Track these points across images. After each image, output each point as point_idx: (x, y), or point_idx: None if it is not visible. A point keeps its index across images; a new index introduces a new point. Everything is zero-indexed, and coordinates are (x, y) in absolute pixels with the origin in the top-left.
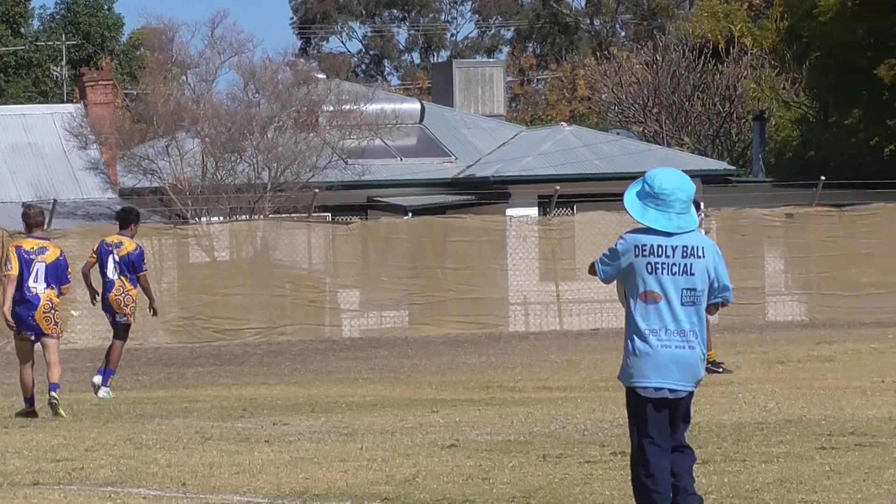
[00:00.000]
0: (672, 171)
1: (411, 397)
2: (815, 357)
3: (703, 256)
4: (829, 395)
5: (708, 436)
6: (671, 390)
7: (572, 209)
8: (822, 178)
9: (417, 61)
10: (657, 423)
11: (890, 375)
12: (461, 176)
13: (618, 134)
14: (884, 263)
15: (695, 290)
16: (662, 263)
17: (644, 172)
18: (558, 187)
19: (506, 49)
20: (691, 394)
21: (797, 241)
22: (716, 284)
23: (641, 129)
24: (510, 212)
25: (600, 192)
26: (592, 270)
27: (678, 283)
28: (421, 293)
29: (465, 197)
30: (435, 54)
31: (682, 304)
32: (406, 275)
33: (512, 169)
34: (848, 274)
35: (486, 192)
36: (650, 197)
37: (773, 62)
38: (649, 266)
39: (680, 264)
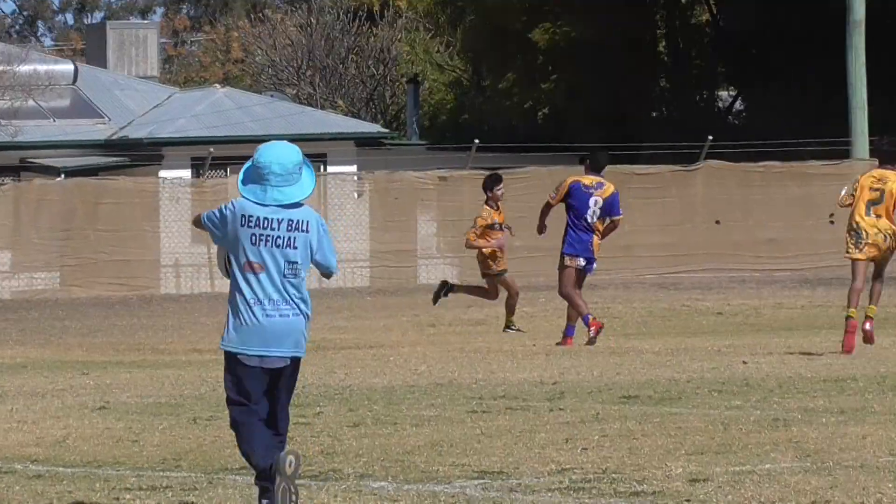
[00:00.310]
0: (275, 144)
1: (62, 359)
2: (466, 321)
3: (308, 231)
4: (480, 359)
5: (359, 399)
6: (274, 358)
7: (226, 171)
8: (476, 141)
9: (71, 22)
10: (257, 389)
11: (541, 339)
12: (115, 137)
13: (272, 96)
14: (532, 226)
15: (296, 262)
16: (267, 236)
17: (299, 135)
18: (212, 149)
19: (160, 10)
20: (295, 361)
21: (450, 204)
22: (318, 258)
23: (295, 91)
24: (163, 174)
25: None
26: (198, 223)
27: (281, 255)
28: (72, 255)
29: (119, 159)
30: (89, 15)
31: (284, 275)
32: (58, 237)
33: (165, 131)
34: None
35: (140, 154)
36: (254, 168)
37: (427, 25)
38: (253, 237)
39: (284, 237)
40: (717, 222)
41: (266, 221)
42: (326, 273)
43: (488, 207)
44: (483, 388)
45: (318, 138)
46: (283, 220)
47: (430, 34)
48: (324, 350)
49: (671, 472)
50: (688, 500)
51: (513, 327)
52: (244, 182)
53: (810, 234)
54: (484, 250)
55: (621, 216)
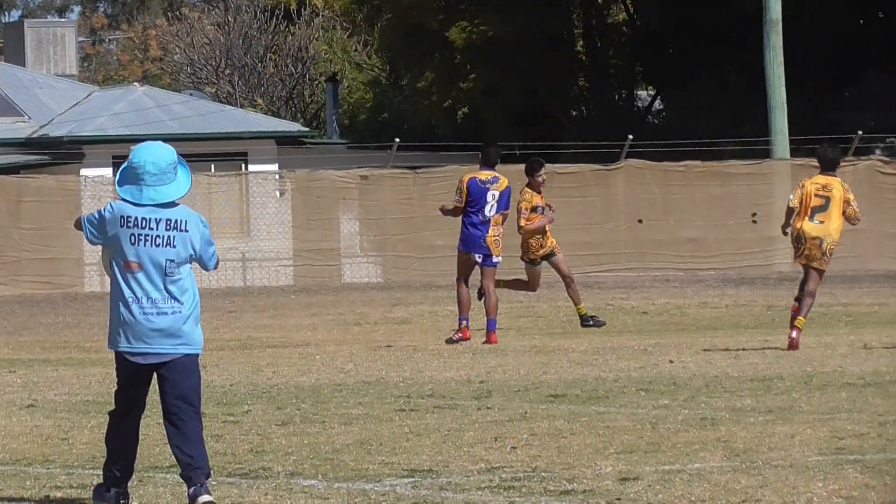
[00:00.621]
0: (149, 144)
1: None
2: (391, 319)
3: (187, 230)
4: (407, 358)
5: (286, 397)
6: (156, 355)
7: None
8: (397, 140)
9: None
10: (142, 388)
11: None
12: (35, 136)
13: (191, 95)
14: (458, 225)
15: (174, 261)
16: (146, 235)
17: (219, 133)
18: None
19: (77, 9)
20: (185, 359)
21: (372, 203)
22: (198, 256)
23: (214, 90)
24: (85, 172)
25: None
26: (79, 226)
27: (160, 254)
28: None
29: (40, 157)
30: (6, 13)
31: (166, 274)
32: None
33: (86, 129)
34: (422, 236)
35: (60, 153)
36: (129, 169)
37: (344, 24)
38: (132, 237)
39: (163, 236)
40: (640, 221)
41: (144, 221)
42: (206, 268)
43: (529, 190)
44: (411, 386)
45: (239, 137)
46: (161, 219)
47: (347, 33)
48: (250, 349)
49: (601, 471)
50: (618, 499)
51: (590, 322)
52: (121, 183)
53: (733, 234)
54: (529, 240)
55: (508, 211)
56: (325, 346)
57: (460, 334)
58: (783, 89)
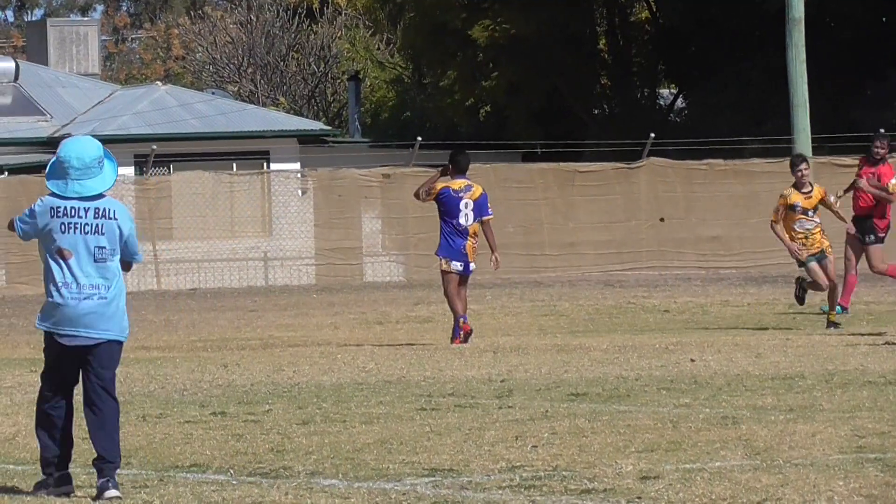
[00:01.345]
0: (75, 139)
1: (9, 357)
2: (413, 318)
3: (116, 218)
4: (428, 357)
5: (308, 396)
6: (83, 338)
7: (169, 169)
8: (419, 138)
9: (12, 19)
10: (67, 370)
11: (488, 336)
12: (57, 135)
13: (213, 94)
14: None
15: (104, 248)
16: (75, 223)
17: (241, 132)
18: (155, 146)
19: (100, 8)
20: (109, 343)
21: (394, 201)
22: (125, 245)
23: (237, 88)
24: None
25: (197, 151)
26: (11, 227)
27: (90, 241)
28: (18, 252)
29: None
30: (29, 12)
31: (95, 260)
32: (3, 234)
33: (108, 128)
34: None
35: None
36: (57, 163)
37: (367, 22)
38: (63, 226)
39: (92, 224)
40: (662, 220)
41: (73, 210)
42: (129, 261)
43: (791, 189)
44: (432, 385)
45: (261, 135)
46: (89, 208)
47: (370, 31)
48: (271, 347)
49: (622, 470)
50: (639, 498)
51: (835, 325)
52: (49, 177)
53: (755, 232)
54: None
55: (491, 216)
56: (347, 345)
57: (461, 330)
58: (805, 87)
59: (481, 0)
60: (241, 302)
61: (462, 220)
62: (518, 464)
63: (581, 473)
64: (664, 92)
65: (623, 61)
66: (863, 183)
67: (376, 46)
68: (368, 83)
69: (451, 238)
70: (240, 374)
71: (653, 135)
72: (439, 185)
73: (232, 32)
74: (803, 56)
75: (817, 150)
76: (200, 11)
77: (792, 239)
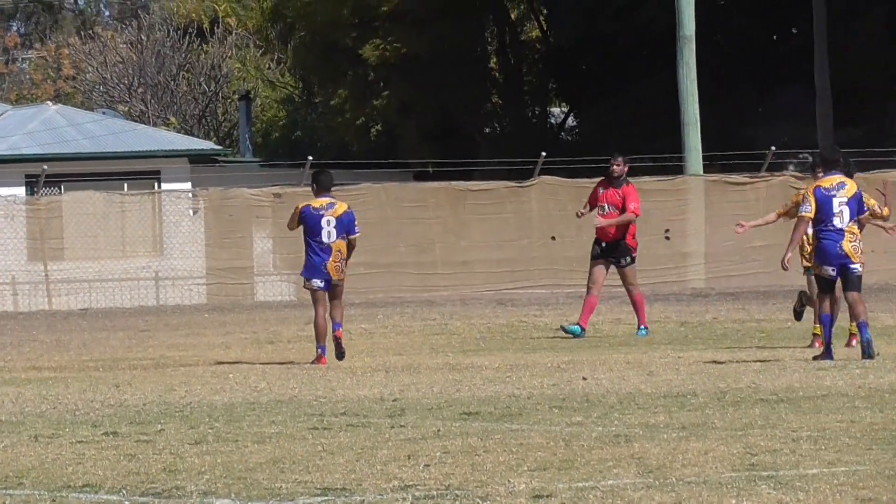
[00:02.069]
0: None
1: None
2: (305, 337)
3: None
4: (321, 376)
5: (200, 416)
6: None
7: (60, 189)
8: (310, 158)
9: None
10: None
11: (380, 355)
12: None
13: (104, 113)
14: (373, 244)
15: None
16: None
17: (132, 152)
18: (45, 167)
19: None
20: None
21: (285, 221)
22: None
23: (127, 108)
24: None
25: (87, 171)
26: None
27: None
28: None
29: None
30: None
31: None
32: None
33: None
34: None
35: None
36: None
37: (257, 42)
38: None
39: None
40: (553, 238)
41: None
42: None
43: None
44: (324, 404)
45: (152, 155)
46: None
47: (260, 51)
48: (163, 367)
49: (514, 489)
50: None
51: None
52: None
53: (647, 250)
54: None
55: (358, 234)
56: (239, 364)
57: (318, 362)
58: (696, 105)
59: (372, 19)
60: (132, 322)
61: (325, 238)
62: (411, 483)
63: (473, 492)
64: (555, 110)
65: (514, 80)
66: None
67: (267, 66)
68: (259, 103)
69: (314, 256)
70: (132, 393)
71: (544, 153)
72: (301, 205)
73: (122, 52)
74: (694, 74)
75: (708, 168)
76: (91, 31)
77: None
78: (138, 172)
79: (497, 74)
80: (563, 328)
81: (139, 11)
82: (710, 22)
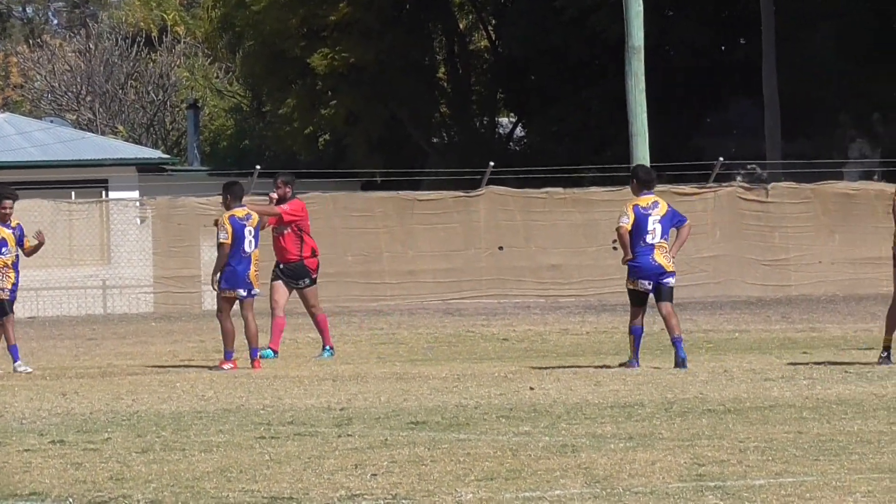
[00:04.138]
0: None
1: None
2: None
3: None
4: (268, 385)
5: (147, 424)
6: None
7: None
8: (258, 167)
9: None
10: None
11: (327, 365)
12: None
13: (52, 122)
14: (320, 253)
15: None
16: None
17: (80, 160)
18: None
19: None
20: None
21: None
22: None
23: (76, 117)
24: None
25: (35, 179)
26: None
27: None
28: None
29: None
30: None
31: None
32: None
33: None
34: None
35: None
36: None
37: (206, 51)
38: None
39: None
40: (501, 248)
41: None
42: None
43: None
44: (271, 413)
45: (100, 164)
46: None
47: (209, 60)
48: (110, 376)
49: (461, 498)
50: None
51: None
52: None
53: (594, 261)
54: None
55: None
56: (186, 373)
57: (230, 365)
58: (645, 116)
59: (320, 28)
60: (79, 330)
61: (247, 247)
62: (358, 492)
63: (421, 502)
64: (504, 120)
65: (462, 90)
66: None
67: (215, 75)
68: (207, 111)
69: (237, 266)
70: (79, 402)
71: (492, 163)
72: (226, 216)
73: (71, 61)
74: (643, 85)
75: (657, 179)
76: (39, 39)
77: None
78: (86, 181)
79: (446, 84)
80: (261, 356)
81: (88, 20)
82: (659, 33)
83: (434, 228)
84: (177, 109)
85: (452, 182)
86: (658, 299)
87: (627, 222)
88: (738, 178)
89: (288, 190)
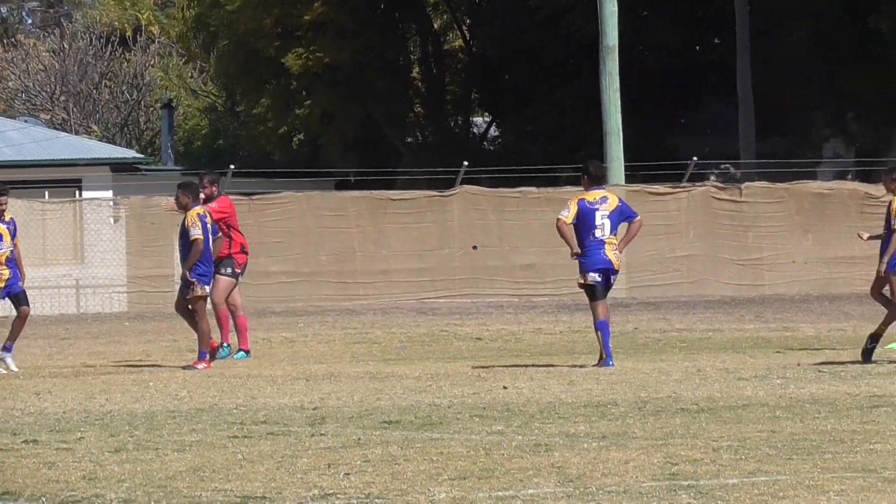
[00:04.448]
0: None
1: None
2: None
3: None
4: (241, 384)
5: (120, 424)
6: None
7: None
8: (232, 167)
9: None
10: None
11: (301, 364)
12: None
13: (25, 122)
14: (294, 252)
15: None
16: None
17: (54, 160)
18: None
19: None
20: None
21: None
22: None
23: (50, 116)
24: None
25: (9, 179)
26: None
27: None
28: None
29: None
30: None
31: None
32: None
33: None
34: (257, 263)
35: None
36: None
37: (180, 51)
38: None
39: None
40: (475, 248)
41: None
42: None
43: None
44: (244, 413)
45: (74, 163)
46: None
47: (183, 60)
48: (84, 375)
49: (435, 497)
50: None
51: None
52: None
53: (567, 260)
54: None
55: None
56: (159, 372)
57: (203, 364)
58: (619, 116)
59: (295, 28)
60: (53, 330)
61: (210, 245)
62: (331, 491)
63: (394, 501)
64: (478, 120)
65: (437, 90)
66: None
67: (189, 75)
68: (182, 111)
69: (210, 265)
70: (52, 401)
71: (466, 163)
72: (195, 213)
73: (45, 60)
74: (617, 84)
75: (631, 178)
76: (13, 39)
77: None
78: (60, 181)
79: (420, 84)
80: (234, 358)
81: (62, 20)
82: (633, 32)
83: (408, 228)
84: (151, 109)
85: (426, 182)
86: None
87: (567, 216)
88: (712, 178)
89: (214, 189)
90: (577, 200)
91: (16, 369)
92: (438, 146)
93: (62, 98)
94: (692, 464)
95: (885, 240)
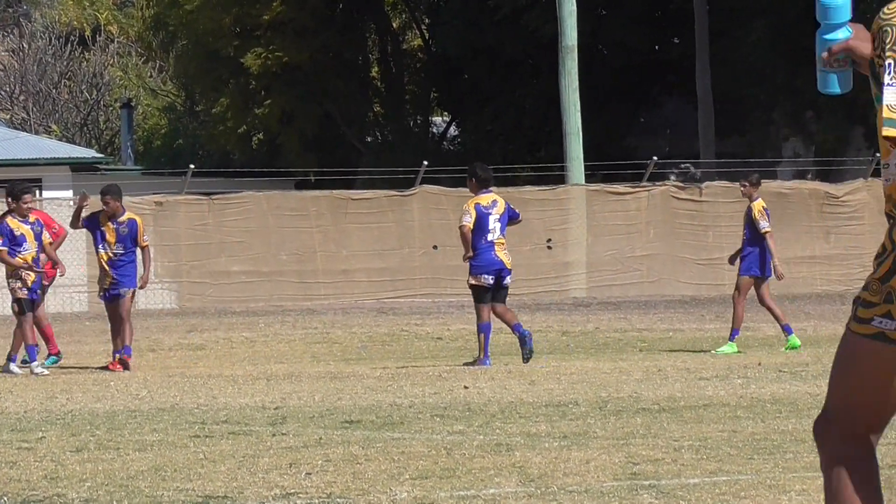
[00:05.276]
0: None
1: None
2: (186, 345)
3: None
4: (202, 384)
5: (81, 423)
6: None
7: None
8: (191, 166)
9: None
10: None
11: (261, 364)
12: None
13: None
14: (253, 251)
15: None
16: None
17: (13, 160)
18: None
19: None
20: None
21: (167, 229)
22: None
23: (9, 116)
24: None
25: None
26: None
27: None
28: None
29: None
30: None
31: None
32: None
33: None
34: (217, 262)
35: None
36: None
37: (139, 50)
38: None
39: None
40: (435, 247)
41: None
42: None
43: None
44: (205, 412)
45: (34, 163)
46: None
47: (142, 59)
48: (44, 375)
49: (396, 497)
50: None
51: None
52: None
53: (528, 260)
54: None
55: (146, 243)
56: (120, 372)
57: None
58: (578, 115)
59: (254, 28)
60: (12, 329)
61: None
62: (292, 491)
63: (355, 501)
64: (437, 120)
65: (396, 89)
66: None
67: (149, 74)
68: (141, 111)
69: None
70: (13, 401)
71: (426, 162)
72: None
73: (3, 59)
74: (576, 84)
75: (590, 178)
76: None
77: None
78: (19, 180)
79: (379, 84)
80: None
81: (21, 19)
82: (592, 32)
83: (368, 227)
84: (110, 108)
85: (386, 181)
86: (494, 299)
87: (470, 221)
88: (672, 178)
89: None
90: (473, 205)
91: (47, 371)
92: (398, 146)
93: (21, 98)
94: (653, 463)
95: (746, 244)
